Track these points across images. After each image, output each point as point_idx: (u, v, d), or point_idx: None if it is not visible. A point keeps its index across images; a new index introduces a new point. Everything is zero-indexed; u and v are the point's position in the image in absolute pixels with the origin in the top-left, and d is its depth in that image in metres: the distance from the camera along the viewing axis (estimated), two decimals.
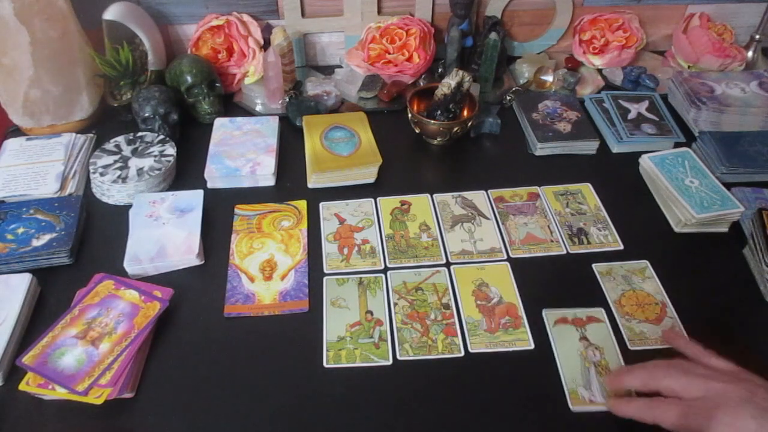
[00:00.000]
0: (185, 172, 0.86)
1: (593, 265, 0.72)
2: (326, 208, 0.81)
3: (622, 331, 0.65)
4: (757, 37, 1.07)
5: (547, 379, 0.61)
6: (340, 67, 1.08)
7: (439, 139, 0.90)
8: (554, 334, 0.65)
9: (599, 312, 0.67)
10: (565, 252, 0.74)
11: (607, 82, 1.05)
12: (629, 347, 0.64)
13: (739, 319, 0.66)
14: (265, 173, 0.84)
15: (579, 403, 0.58)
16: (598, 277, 0.71)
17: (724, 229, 0.77)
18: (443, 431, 0.57)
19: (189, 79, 0.93)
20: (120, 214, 0.78)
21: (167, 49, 1.00)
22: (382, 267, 0.72)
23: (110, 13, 0.90)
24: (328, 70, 1.08)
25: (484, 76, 0.98)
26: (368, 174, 0.84)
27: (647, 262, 0.72)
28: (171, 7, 1.01)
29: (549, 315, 0.67)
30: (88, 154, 0.87)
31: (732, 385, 0.49)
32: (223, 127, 0.92)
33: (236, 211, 0.80)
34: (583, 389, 0.59)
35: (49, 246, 0.72)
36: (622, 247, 0.75)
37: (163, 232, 0.74)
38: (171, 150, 0.85)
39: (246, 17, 1.02)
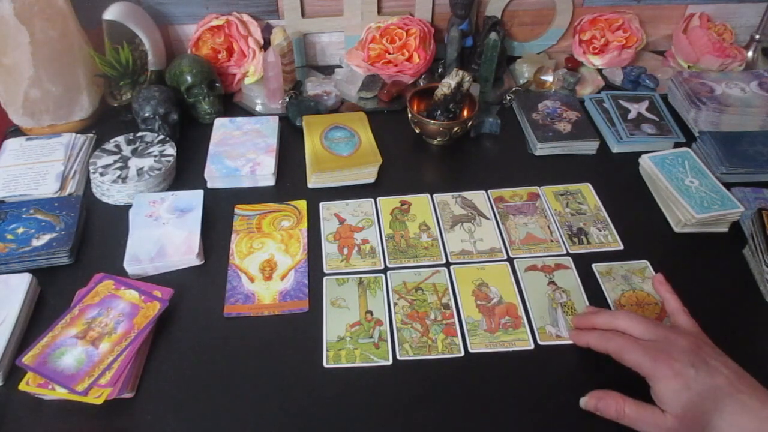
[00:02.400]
0: (185, 172, 0.86)
1: (593, 265, 0.72)
2: (326, 208, 0.81)
3: None
4: (757, 37, 1.07)
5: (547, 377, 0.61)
6: (340, 67, 1.08)
7: (439, 139, 0.90)
8: (524, 279, 0.70)
9: (567, 260, 0.72)
10: (565, 252, 0.74)
11: (607, 82, 1.05)
12: None
13: (739, 319, 0.66)
14: (265, 173, 0.84)
15: (546, 338, 0.64)
16: (598, 277, 0.71)
17: (724, 229, 0.76)
18: (443, 431, 0.57)
19: (189, 79, 0.93)
20: (120, 214, 0.78)
21: (167, 49, 1.00)
22: (382, 267, 0.72)
23: (110, 13, 0.90)
24: (328, 70, 1.08)
25: (484, 76, 0.98)
26: (368, 174, 0.84)
27: (647, 262, 0.72)
28: (171, 7, 1.01)
29: (520, 263, 0.72)
30: (88, 154, 0.87)
31: (682, 337, 0.54)
32: (223, 127, 0.92)
33: (236, 211, 0.80)
34: (550, 326, 0.65)
35: (49, 246, 0.72)
36: (622, 247, 0.75)
37: (163, 232, 0.74)
38: (171, 150, 0.85)
39: (246, 17, 1.02)
